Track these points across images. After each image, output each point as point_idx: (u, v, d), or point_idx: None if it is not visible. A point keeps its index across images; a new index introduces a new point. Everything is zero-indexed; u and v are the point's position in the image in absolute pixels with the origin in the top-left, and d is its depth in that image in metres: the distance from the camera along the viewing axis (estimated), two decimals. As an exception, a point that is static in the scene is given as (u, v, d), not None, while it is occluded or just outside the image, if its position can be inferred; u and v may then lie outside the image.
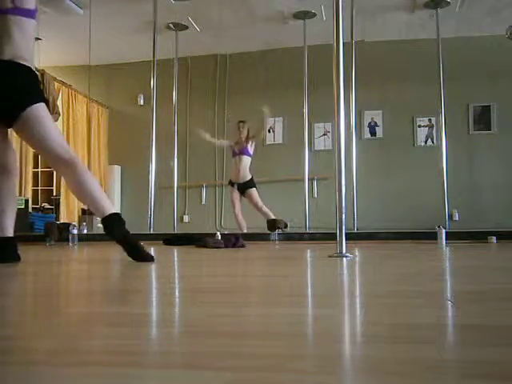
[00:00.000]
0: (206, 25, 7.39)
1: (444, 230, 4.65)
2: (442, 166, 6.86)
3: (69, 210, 7.80)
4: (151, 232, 6.21)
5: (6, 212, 2.54)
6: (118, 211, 2.73)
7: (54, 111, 7.37)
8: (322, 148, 8.03)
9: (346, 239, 2.90)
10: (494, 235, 4.91)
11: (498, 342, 0.77)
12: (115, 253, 3.97)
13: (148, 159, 6.62)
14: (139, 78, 8.17)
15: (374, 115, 7.98)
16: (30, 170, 7.21)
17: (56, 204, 7.99)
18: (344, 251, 2.87)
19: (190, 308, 1.18)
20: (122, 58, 8.59)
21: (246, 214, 7.90)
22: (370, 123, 8.00)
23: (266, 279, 1.89)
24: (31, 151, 7.08)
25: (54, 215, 7.45)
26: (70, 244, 4.76)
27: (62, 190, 7.84)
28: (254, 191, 6.28)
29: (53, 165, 2.65)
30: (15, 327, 0.96)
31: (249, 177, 6.31)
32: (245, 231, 6.10)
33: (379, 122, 7.98)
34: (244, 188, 6.29)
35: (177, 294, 1.46)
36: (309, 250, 3.83)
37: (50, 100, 7.31)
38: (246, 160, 6.30)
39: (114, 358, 0.69)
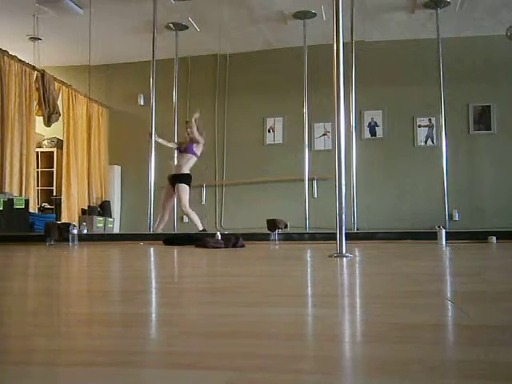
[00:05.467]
0: (206, 25, 7.39)
1: (444, 230, 4.64)
2: (442, 166, 6.87)
3: (69, 210, 7.79)
4: (151, 232, 6.20)
5: None
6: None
7: (54, 111, 7.37)
8: (322, 148, 8.02)
9: (345, 239, 2.90)
10: (494, 235, 4.90)
11: (498, 341, 0.77)
12: (115, 253, 3.97)
13: (148, 159, 6.62)
14: (139, 78, 8.16)
15: (374, 115, 7.97)
16: (32, 170, 7.18)
17: (56, 204, 7.98)
18: (344, 251, 2.87)
19: (189, 308, 1.18)
20: (121, 58, 8.58)
21: (246, 213, 7.92)
22: (369, 123, 8.00)
23: (265, 279, 1.89)
24: (31, 151, 7.07)
25: (54, 215, 7.44)
26: (70, 244, 4.76)
27: (64, 189, 7.83)
28: (183, 187, 6.22)
29: None
30: (15, 327, 0.96)
31: (186, 172, 6.30)
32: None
33: (379, 122, 7.98)
34: (175, 180, 6.28)
35: (177, 294, 1.46)
36: (309, 250, 3.83)
37: (50, 100, 7.32)
38: (188, 157, 6.34)
39: (113, 358, 0.69)
